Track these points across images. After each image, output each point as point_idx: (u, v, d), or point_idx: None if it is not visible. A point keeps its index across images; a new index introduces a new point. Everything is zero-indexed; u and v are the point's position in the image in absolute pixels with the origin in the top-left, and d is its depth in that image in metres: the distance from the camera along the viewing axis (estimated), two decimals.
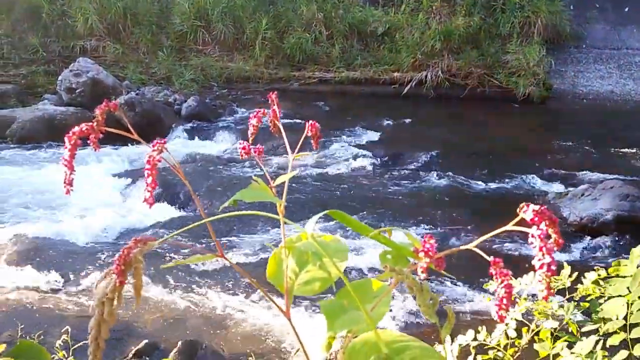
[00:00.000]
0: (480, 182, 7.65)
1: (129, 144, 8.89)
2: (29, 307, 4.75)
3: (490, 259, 0.61)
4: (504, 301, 0.61)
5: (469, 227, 6.26)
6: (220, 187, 7.27)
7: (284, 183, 0.98)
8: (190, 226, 0.92)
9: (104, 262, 5.49)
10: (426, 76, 11.41)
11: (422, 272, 0.64)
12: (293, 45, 11.85)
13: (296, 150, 1.10)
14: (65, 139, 0.85)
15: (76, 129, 0.85)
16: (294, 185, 7.35)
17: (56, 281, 5.16)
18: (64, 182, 0.86)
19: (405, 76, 11.52)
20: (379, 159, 8.36)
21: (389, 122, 10.10)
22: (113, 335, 3.40)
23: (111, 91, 9.71)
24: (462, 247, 0.67)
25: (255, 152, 1.04)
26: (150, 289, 4.89)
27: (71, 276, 5.26)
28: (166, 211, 6.82)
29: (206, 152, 8.68)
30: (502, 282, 0.60)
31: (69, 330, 3.49)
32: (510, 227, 0.62)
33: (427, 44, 11.58)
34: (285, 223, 0.87)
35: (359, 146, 8.86)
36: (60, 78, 9.79)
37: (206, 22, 11.91)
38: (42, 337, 4.15)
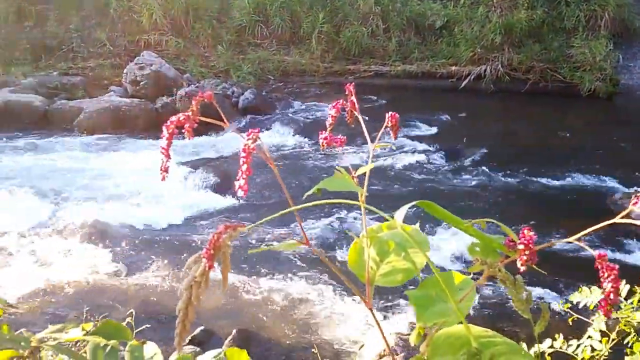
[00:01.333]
0: (542, 179, 7.48)
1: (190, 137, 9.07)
2: (95, 289, 4.88)
3: (595, 253, 0.58)
4: (611, 296, 0.57)
5: (534, 224, 6.14)
6: (272, 180, 7.33)
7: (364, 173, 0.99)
8: (277, 214, 0.94)
9: (165, 247, 5.62)
10: (485, 70, 11.21)
11: (522, 264, 0.60)
12: (349, 38, 11.83)
13: (377, 140, 1.10)
14: (164, 128, 0.88)
15: (174, 118, 0.87)
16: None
17: (119, 265, 5.31)
18: (161, 169, 0.89)
19: (463, 70, 11.35)
20: (436, 153, 8.28)
21: (446, 116, 9.98)
22: (170, 320, 3.48)
23: (173, 83, 9.92)
24: (563, 240, 0.63)
25: (337, 142, 1.05)
26: (211, 275, 4.98)
27: (133, 260, 5.40)
28: (222, 199, 6.94)
29: (266, 144, 8.76)
30: (608, 276, 0.57)
31: (134, 312, 3.59)
32: (618, 220, 0.59)
33: (487, 38, 11.38)
34: (371, 211, 0.88)
35: (415, 139, 8.79)
36: (125, 71, 10.06)
37: (264, 16, 12.02)
38: (106, 318, 4.28)
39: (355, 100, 1.15)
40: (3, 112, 9.54)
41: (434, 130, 9.33)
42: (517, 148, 8.66)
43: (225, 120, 0.99)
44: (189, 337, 4.09)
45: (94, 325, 1.13)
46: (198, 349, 3.82)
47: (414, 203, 0.80)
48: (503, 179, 7.49)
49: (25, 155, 8.28)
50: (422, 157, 8.11)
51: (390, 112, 1.11)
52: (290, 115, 10.06)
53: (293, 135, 9.10)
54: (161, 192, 6.96)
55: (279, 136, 9.18)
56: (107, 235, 5.80)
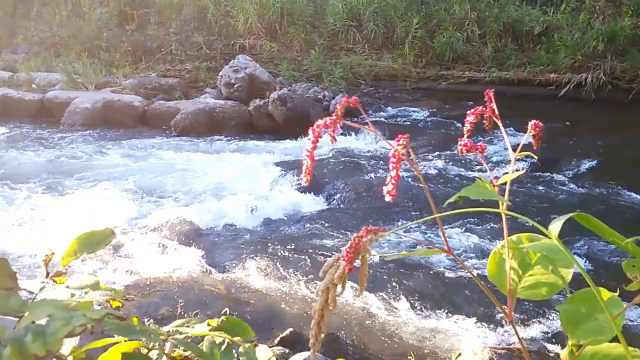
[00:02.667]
0: None
1: (278, 139, 9.20)
2: (186, 285, 4.96)
3: None
4: None
5: None
6: (361, 185, 7.28)
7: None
8: (421, 220, 0.91)
9: (254, 247, 5.67)
10: (586, 78, 10.76)
11: None
12: (443, 44, 11.66)
13: (518, 151, 1.05)
14: (310, 131, 0.87)
15: (320, 122, 0.87)
16: (440, 185, 7.23)
17: (210, 263, 5.39)
18: (304, 172, 0.88)
19: (562, 78, 10.95)
20: (533, 163, 8.00)
21: (543, 125, 9.60)
22: (261, 318, 3.50)
23: (266, 87, 10.08)
24: None
25: (477, 148, 1.01)
26: (301, 278, 5.00)
27: (223, 259, 5.48)
28: (312, 202, 6.96)
29: (352, 148, 8.75)
30: None
31: (228, 311, 3.65)
32: None
33: (588, 45, 10.94)
34: (516, 219, 0.84)
35: (511, 148, 8.51)
36: (220, 73, 10.31)
37: (357, 21, 12.04)
38: (198, 315, 4.35)
39: (495, 107, 1.10)
40: (105, 111, 10.01)
41: (531, 139, 9.00)
42: (620, 160, 8.24)
43: (371, 126, 0.97)
44: (278, 338, 4.11)
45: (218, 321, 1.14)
46: (287, 351, 3.83)
47: (570, 215, 0.75)
48: (606, 192, 7.14)
49: (123, 153, 8.62)
50: (516, 167, 7.82)
51: (533, 120, 1.05)
52: (382, 119, 10.01)
53: (382, 141, 9.02)
54: (252, 192, 7.06)
55: (368, 140, 9.14)
56: (198, 234, 5.92)
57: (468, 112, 1.06)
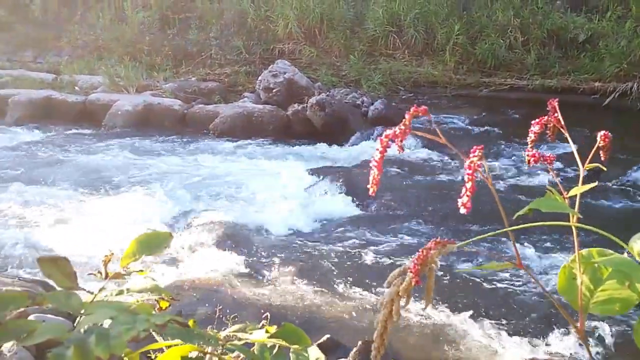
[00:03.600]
0: None
1: (316, 144, 9.20)
2: (223, 288, 4.96)
3: None
4: None
5: None
6: (401, 191, 7.22)
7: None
8: (491, 234, 0.89)
9: (291, 253, 5.65)
10: (631, 87, 10.52)
11: None
12: (485, 50, 11.54)
13: (587, 162, 1.02)
14: (378, 141, 0.88)
15: (388, 132, 0.86)
16: (483, 193, 7.10)
17: (247, 267, 5.38)
18: (371, 182, 0.87)
19: (607, 86, 10.72)
20: (577, 174, 7.79)
21: (587, 134, 9.40)
22: (297, 323, 3.47)
23: (304, 92, 10.10)
24: None
25: (546, 160, 0.98)
26: (338, 284, 4.97)
27: (260, 264, 5.46)
28: (350, 208, 6.92)
29: (390, 154, 8.65)
30: None
31: (269, 316, 3.64)
32: None
33: (634, 53, 10.70)
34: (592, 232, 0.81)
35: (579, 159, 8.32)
36: (259, 78, 10.38)
37: (398, 27, 11.98)
38: (237, 319, 4.35)
39: (560, 117, 1.07)
40: (146, 114, 10.17)
41: (574, 148, 8.82)
42: None
43: (442, 138, 0.95)
44: (315, 344, 4.07)
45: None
46: (324, 357, 3.79)
47: None
48: None
49: (162, 156, 8.73)
50: (559, 177, 7.67)
51: (602, 132, 1.03)
52: (419, 127, 9.90)
53: (421, 148, 8.96)
54: (289, 197, 7.06)
55: (409, 146, 9.06)
56: (235, 237, 5.91)
57: (532, 121, 1.03)
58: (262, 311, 4.40)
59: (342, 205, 6.97)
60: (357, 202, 7.07)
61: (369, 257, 5.47)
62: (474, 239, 0.91)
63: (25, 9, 14.74)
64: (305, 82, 10.35)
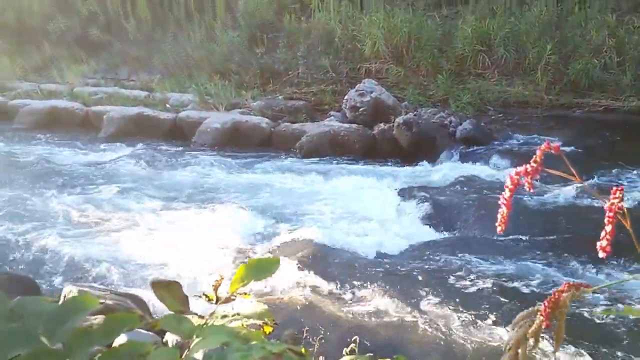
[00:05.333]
0: None
1: (403, 164, 9.10)
2: (309, 308, 4.93)
3: None
4: None
5: None
6: (488, 213, 6.98)
7: None
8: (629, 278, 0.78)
9: (378, 276, 5.54)
10: None
11: None
12: (578, 71, 11.12)
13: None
14: (507, 178, 0.84)
15: (519, 169, 0.82)
16: (571, 220, 6.78)
17: (332, 288, 5.32)
18: (499, 220, 0.83)
19: None
20: None
21: None
22: (381, 346, 3.34)
23: (391, 111, 10.04)
24: None
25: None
26: (424, 308, 4.81)
27: (346, 285, 5.39)
28: (436, 230, 6.79)
29: (477, 175, 8.47)
30: None
31: (357, 340, 3.54)
32: None
33: None
34: None
35: None
36: (346, 97, 10.39)
37: (487, 46, 11.74)
38: (322, 340, 4.28)
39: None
40: (234, 131, 10.39)
41: None
42: None
43: (576, 175, 0.88)
44: None
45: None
46: None
47: None
48: None
49: (250, 173, 8.89)
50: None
51: None
52: (510, 148, 9.66)
53: (510, 168, 8.68)
54: (375, 218, 6.99)
55: (495, 169, 8.83)
56: (320, 256, 5.87)
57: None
58: (348, 333, 4.32)
59: (430, 227, 6.86)
60: (446, 224, 6.93)
61: (457, 282, 5.30)
62: (612, 282, 0.82)
63: (119, 29, 15.44)
64: (392, 101, 10.28)
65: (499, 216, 0.81)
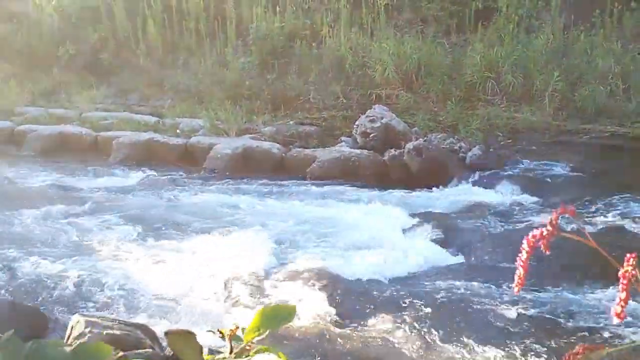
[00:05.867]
0: None
1: (413, 189, 9.15)
2: (319, 337, 4.93)
3: None
4: None
5: None
6: (499, 240, 7.04)
7: None
8: None
9: (388, 302, 5.55)
10: None
11: None
12: (585, 97, 11.23)
13: None
14: (524, 241, 0.87)
15: (536, 232, 0.85)
16: (573, 243, 6.79)
17: (342, 315, 5.32)
18: (516, 281, 0.87)
19: None
20: None
21: None
22: None
23: (401, 137, 10.13)
24: None
25: None
26: (437, 337, 4.83)
27: (355, 311, 5.40)
28: (448, 256, 6.82)
29: (488, 201, 8.54)
30: None
31: None
32: None
33: None
34: None
35: None
36: (357, 123, 10.48)
37: (496, 73, 11.87)
38: None
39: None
40: (245, 157, 10.44)
41: None
42: None
43: (590, 239, 0.89)
44: None
45: None
46: None
47: None
48: None
49: (261, 199, 8.87)
50: None
51: None
52: (518, 173, 9.73)
53: (520, 194, 8.77)
54: (387, 244, 7.03)
55: (504, 194, 8.90)
56: (331, 285, 5.84)
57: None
58: None
59: (439, 253, 6.88)
60: (456, 250, 6.96)
61: (466, 311, 5.32)
62: (628, 345, 0.89)
63: (130, 54, 15.56)
64: (403, 127, 10.38)
65: (515, 277, 0.83)
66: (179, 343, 0.95)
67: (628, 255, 0.78)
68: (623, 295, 0.74)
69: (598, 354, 0.75)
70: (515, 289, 0.85)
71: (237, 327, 1.10)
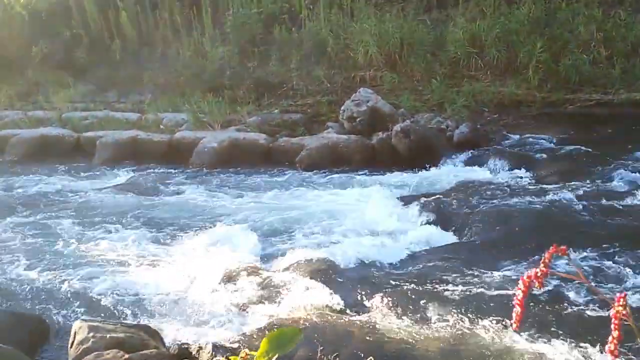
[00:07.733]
0: None
1: (403, 171, 9.12)
2: (320, 325, 4.85)
3: None
4: None
5: None
6: (492, 217, 7.01)
7: None
8: None
9: (387, 286, 5.51)
10: None
11: None
12: (569, 67, 11.21)
13: None
14: (520, 281, 0.89)
15: (531, 272, 0.86)
16: (567, 216, 6.81)
17: (344, 303, 5.28)
18: (514, 319, 0.88)
19: None
20: None
21: None
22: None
23: (388, 119, 10.07)
24: None
25: None
26: (436, 318, 4.78)
27: (353, 297, 5.36)
28: (441, 236, 6.80)
29: (478, 179, 8.53)
30: None
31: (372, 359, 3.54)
32: None
33: None
34: None
35: None
36: (342, 107, 10.40)
37: (479, 48, 11.80)
38: (338, 358, 4.27)
39: None
40: (231, 149, 10.33)
41: None
42: None
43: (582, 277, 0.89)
44: None
45: None
46: None
47: None
48: None
49: (251, 191, 8.82)
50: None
51: None
52: (506, 148, 9.73)
53: (509, 170, 8.77)
54: (380, 228, 7.01)
55: (493, 171, 8.89)
56: (326, 271, 5.81)
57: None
58: (361, 349, 4.30)
59: (434, 234, 6.87)
60: (448, 230, 6.95)
61: (465, 289, 5.29)
62: None
63: (105, 50, 15.28)
64: (389, 109, 10.30)
65: (513, 314, 0.86)
66: None
67: (618, 295, 0.80)
68: (615, 334, 0.77)
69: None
70: (514, 326, 0.87)
71: (247, 354, 1.13)
